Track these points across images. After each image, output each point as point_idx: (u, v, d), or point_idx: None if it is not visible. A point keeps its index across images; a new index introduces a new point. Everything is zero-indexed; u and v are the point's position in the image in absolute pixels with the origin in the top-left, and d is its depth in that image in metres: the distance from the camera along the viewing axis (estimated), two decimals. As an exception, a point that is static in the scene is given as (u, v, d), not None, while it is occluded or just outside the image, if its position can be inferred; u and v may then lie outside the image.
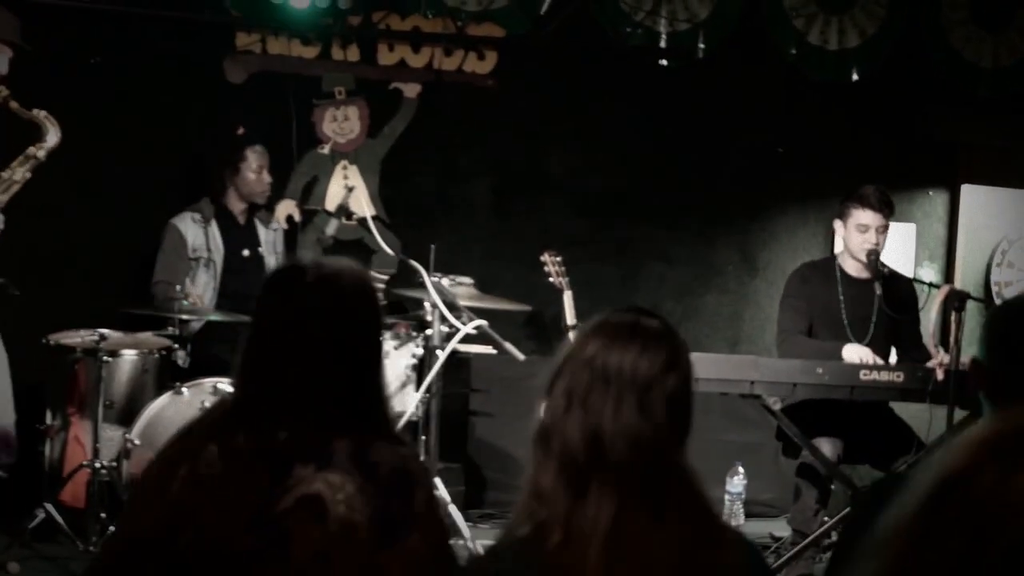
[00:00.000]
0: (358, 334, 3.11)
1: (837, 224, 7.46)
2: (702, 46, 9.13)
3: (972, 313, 9.05)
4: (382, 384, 3.16)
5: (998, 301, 9.42)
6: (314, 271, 3.12)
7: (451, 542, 3.21)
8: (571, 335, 7.76)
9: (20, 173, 6.41)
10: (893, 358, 7.39)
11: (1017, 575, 1.09)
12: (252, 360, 3.13)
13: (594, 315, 2.90)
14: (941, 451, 1.19)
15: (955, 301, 6.79)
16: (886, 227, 7.32)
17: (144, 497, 3.09)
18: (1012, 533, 1.08)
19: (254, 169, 8.08)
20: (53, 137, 6.44)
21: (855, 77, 9.42)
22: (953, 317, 6.80)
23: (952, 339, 6.70)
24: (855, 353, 7.02)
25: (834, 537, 7.79)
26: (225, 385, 7.04)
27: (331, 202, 8.72)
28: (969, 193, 9.72)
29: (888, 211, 7.33)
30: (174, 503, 2.95)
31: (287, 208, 8.76)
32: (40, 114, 6.43)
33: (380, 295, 3.21)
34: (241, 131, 8.31)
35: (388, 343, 7.45)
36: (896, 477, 3.49)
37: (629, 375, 2.74)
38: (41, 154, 6.43)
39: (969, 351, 6.84)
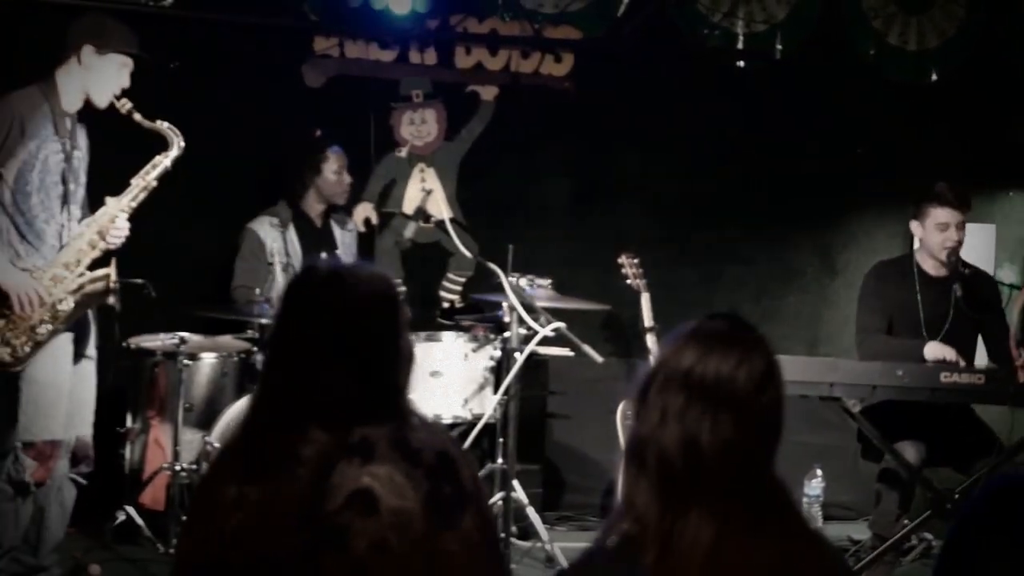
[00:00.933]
0: (378, 332, 3.11)
1: (914, 224, 7.40)
2: (780, 47, 9.09)
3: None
4: (406, 380, 3.15)
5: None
6: (328, 272, 3.13)
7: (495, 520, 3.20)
8: (649, 337, 7.78)
9: (148, 181, 6.50)
10: (979, 358, 7.32)
11: None
12: (275, 362, 3.13)
13: (678, 318, 2.87)
14: None
15: (1036, 303, 6.73)
16: (964, 224, 7.27)
17: (198, 521, 3.09)
18: None
19: (335, 170, 8.13)
20: (176, 147, 6.52)
21: (934, 78, 9.35)
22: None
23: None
24: (938, 352, 6.96)
25: (914, 542, 7.76)
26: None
27: (409, 205, 8.75)
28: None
29: (965, 207, 7.27)
30: (224, 525, 2.95)
31: (365, 211, 8.79)
32: (163, 125, 6.51)
33: (400, 296, 3.21)
34: (318, 133, 8.35)
35: (466, 345, 7.47)
36: (998, 491, 3.33)
37: (727, 388, 2.70)
38: (168, 163, 6.52)
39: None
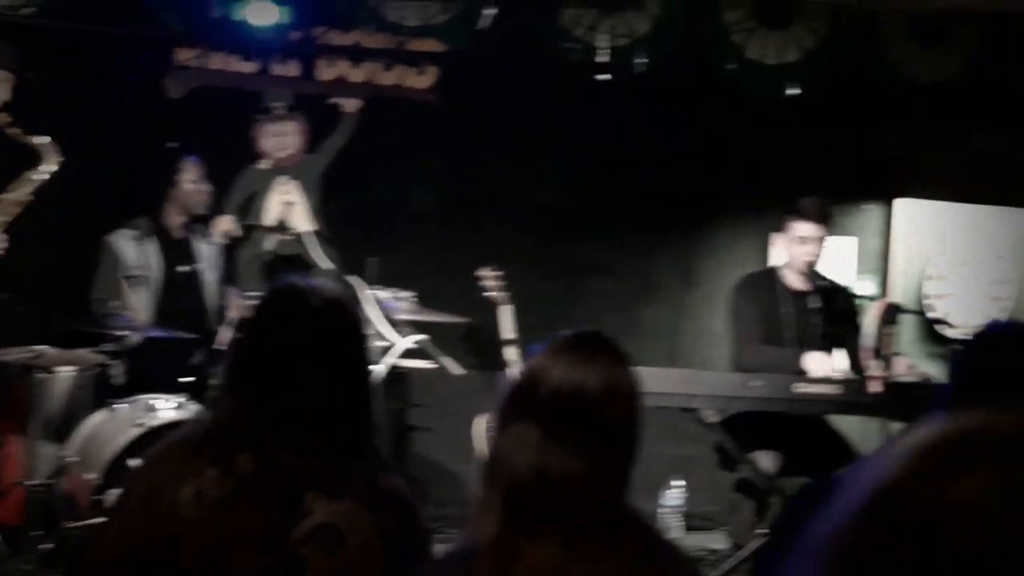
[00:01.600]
0: (357, 358, 3.10)
1: (777, 238, 7.51)
2: (642, 61, 9.15)
3: (908, 326, 9.15)
4: (373, 409, 3.13)
5: (931, 315, 9.49)
6: (316, 294, 3.10)
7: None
8: (509, 350, 7.80)
9: (21, 195, 6.40)
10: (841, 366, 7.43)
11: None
12: (244, 380, 3.09)
13: (539, 331, 2.88)
14: (876, 458, 1.20)
15: (890, 314, 6.84)
16: (823, 239, 7.38)
17: (141, 508, 3.02)
18: (950, 542, 1.08)
19: (192, 179, 8.06)
20: (51, 162, 6.43)
21: (793, 92, 9.47)
22: (889, 330, 6.86)
23: (888, 352, 6.75)
24: (816, 362, 7.06)
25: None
26: (161, 401, 7.02)
27: (270, 217, 8.70)
28: (905, 207, 9.78)
29: (826, 223, 7.38)
30: (177, 520, 2.91)
31: (226, 224, 8.72)
32: (37, 140, 6.42)
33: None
34: (172, 144, 8.27)
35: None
36: (825, 481, 3.49)
37: (586, 408, 2.70)
38: (40, 178, 6.42)
39: (904, 363, 6.92)
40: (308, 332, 3.05)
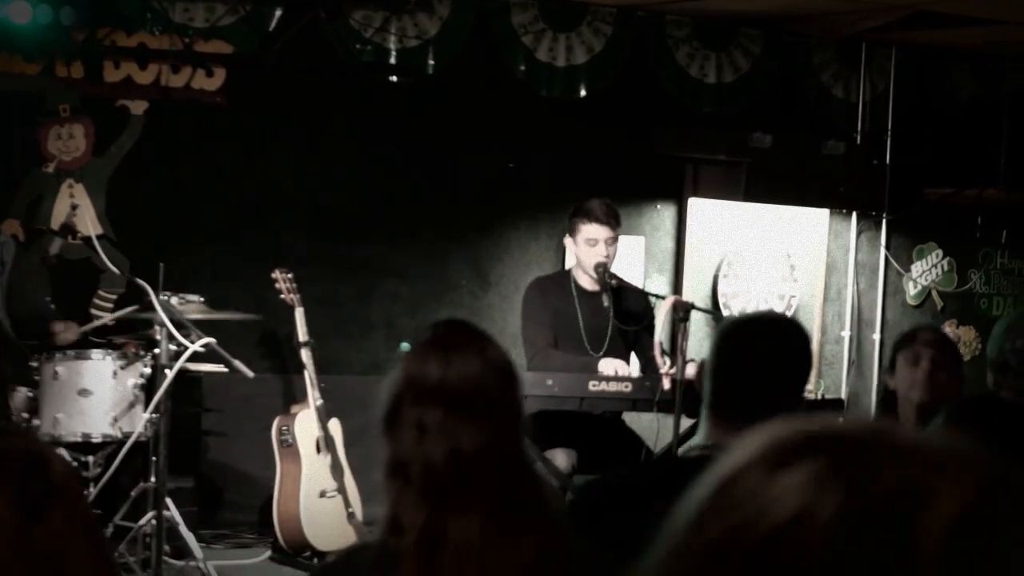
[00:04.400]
0: None
1: (568, 241, 7.56)
2: (432, 63, 9.17)
3: (699, 324, 9.30)
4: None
5: (725, 312, 9.66)
6: None
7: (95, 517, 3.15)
8: (304, 352, 7.77)
9: None
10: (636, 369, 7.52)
11: (774, 564, 1.12)
12: None
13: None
14: (723, 457, 1.23)
15: (680, 312, 6.93)
16: (615, 239, 7.44)
17: None
18: (770, 522, 1.11)
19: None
20: None
21: (583, 93, 9.57)
22: (679, 328, 6.95)
23: (678, 349, 6.84)
24: (611, 366, 7.12)
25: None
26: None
27: (56, 221, 8.52)
28: (696, 207, 9.94)
29: (615, 223, 7.44)
30: None
31: (11, 227, 8.53)
32: None
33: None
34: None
35: (115, 363, 7.32)
36: (603, 482, 3.61)
37: (478, 390, 2.79)
38: None
39: (695, 360, 7.02)
40: None
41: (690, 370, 6.67)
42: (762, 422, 1.23)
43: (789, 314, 9.95)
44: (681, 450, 3.89)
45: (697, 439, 3.49)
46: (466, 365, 2.80)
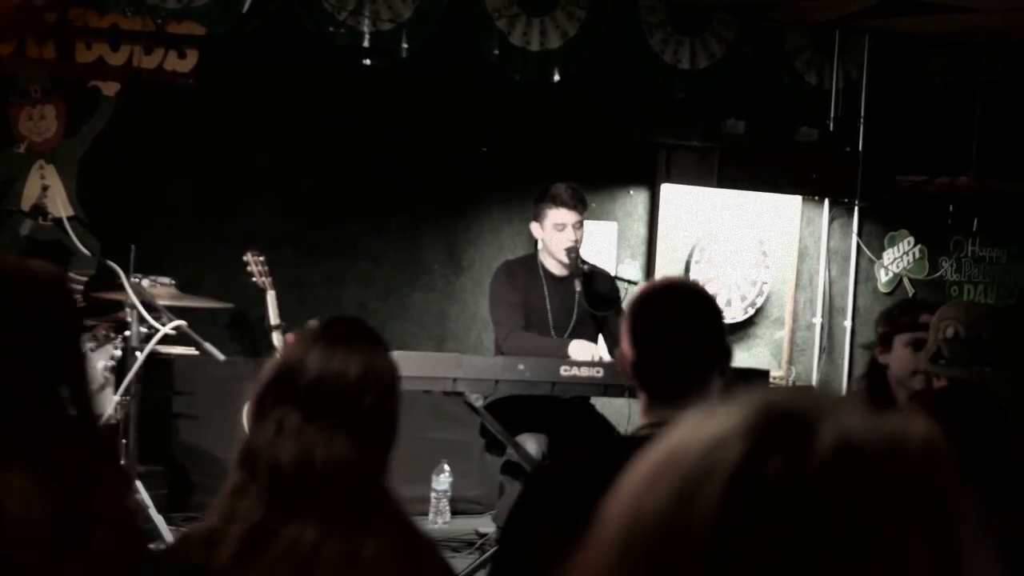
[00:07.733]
0: (56, 330, 3.02)
1: (534, 226, 7.55)
2: (406, 46, 9.15)
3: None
4: (82, 382, 3.06)
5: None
6: (11, 268, 3.02)
7: (147, 545, 3.13)
8: (275, 335, 7.74)
9: None
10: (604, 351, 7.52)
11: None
12: None
13: (305, 316, 2.88)
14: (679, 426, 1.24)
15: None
16: (582, 223, 7.44)
17: None
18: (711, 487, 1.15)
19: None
20: None
21: (557, 78, 9.56)
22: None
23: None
24: (583, 349, 7.12)
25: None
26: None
27: (27, 202, 8.48)
28: (669, 192, 9.95)
29: (582, 207, 7.44)
30: None
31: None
32: None
33: (77, 297, 3.14)
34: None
35: (85, 345, 7.29)
36: (567, 464, 3.61)
37: (344, 397, 2.72)
38: None
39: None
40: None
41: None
42: (691, 392, 1.26)
43: (751, 298, 10.02)
44: (632, 430, 3.89)
45: (640, 418, 3.45)
46: (346, 365, 2.74)
